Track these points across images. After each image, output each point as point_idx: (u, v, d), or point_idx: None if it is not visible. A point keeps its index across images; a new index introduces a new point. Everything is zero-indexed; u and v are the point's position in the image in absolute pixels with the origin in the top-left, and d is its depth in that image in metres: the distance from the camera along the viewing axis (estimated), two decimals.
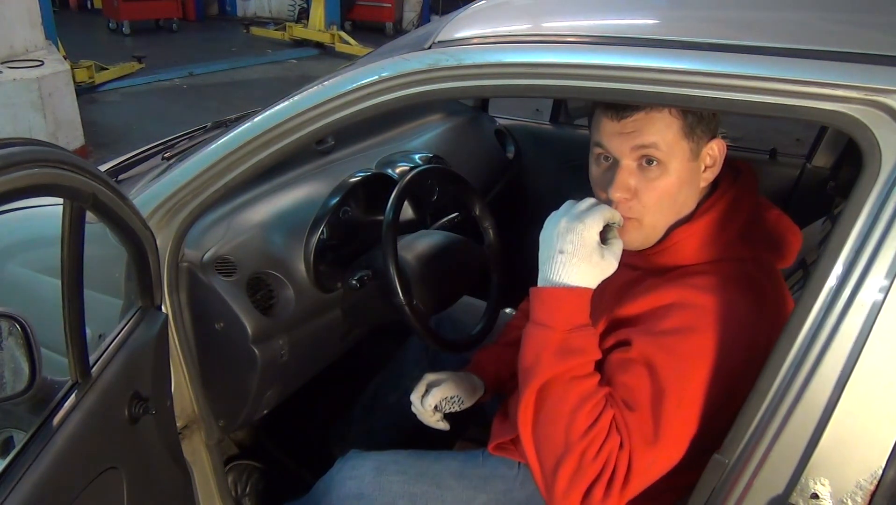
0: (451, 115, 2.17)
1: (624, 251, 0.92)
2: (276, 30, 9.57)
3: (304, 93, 1.00)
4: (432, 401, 1.18)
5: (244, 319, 1.19)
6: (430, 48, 0.91)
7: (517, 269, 1.42)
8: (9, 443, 0.92)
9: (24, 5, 4.50)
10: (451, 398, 1.20)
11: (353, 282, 1.34)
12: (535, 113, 2.54)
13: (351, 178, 1.47)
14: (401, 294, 1.24)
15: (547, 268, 0.88)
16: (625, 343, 0.91)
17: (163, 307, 1.08)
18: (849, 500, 0.73)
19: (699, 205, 0.94)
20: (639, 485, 0.85)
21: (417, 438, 1.36)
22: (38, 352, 0.82)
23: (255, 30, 9.91)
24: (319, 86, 0.99)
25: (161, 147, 1.55)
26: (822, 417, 0.72)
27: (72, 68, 5.08)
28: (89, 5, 11.42)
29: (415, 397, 1.21)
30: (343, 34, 8.82)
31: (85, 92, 5.94)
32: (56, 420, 0.78)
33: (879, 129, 0.69)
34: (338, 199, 1.40)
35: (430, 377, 1.22)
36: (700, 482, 0.81)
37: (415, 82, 0.91)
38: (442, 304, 1.47)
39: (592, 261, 0.86)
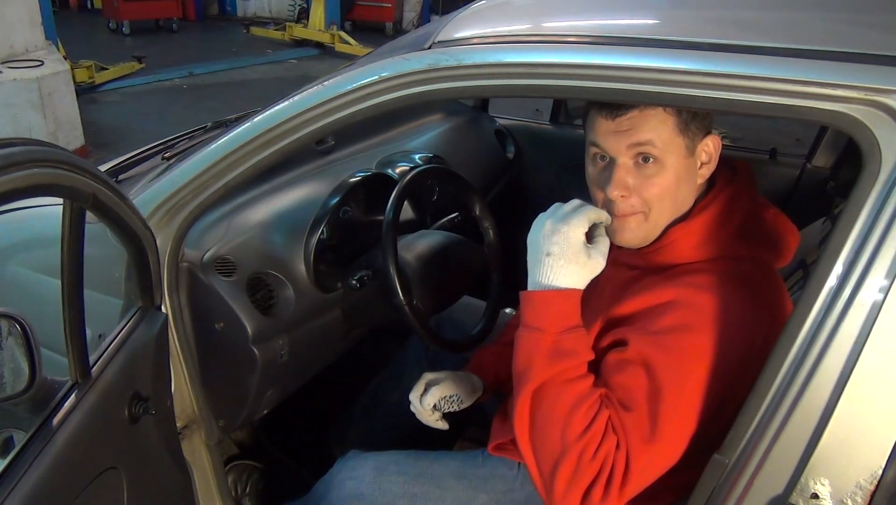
0: (451, 115, 2.17)
1: (622, 250, 0.92)
2: (276, 30, 9.56)
3: (304, 93, 1.00)
4: (431, 400, 1.18)
5: (244, 319, 1.19)
6: (430, 48, 0.91)
7: (517, 269, 1.41)
8: (9, 443, 0.91)
9: (24, 5, 4.50)
10: (450, 397, 1.19)
11: (353, 282, 1.34)
12: (535, 113, 2.54)
13: (351, 178, 1.47)
14: (401, 294, 1.24)
15: (536, 271, 0.89)
16: (621, 343, 0.91)
17: (163, 307, 1.08)
18: (849, 500, 0.73)
19: (696, 203, 0.94)
20: (637, 485, 0.85)
21: (417, 438, 1.35)
22: (38, 352, 0.82)
23: (255, 30, 9.90)
24: (319, 86, 0.99)
25: (161, 147, 1.55)
26: (822, 418, 0.72)
27: (72, 68, 5.08)
28: (89, 5, 11.42)
29: (413, 397, 1.21)
30: (343, 34, 8.81)
31: (85, 92, 5.93)
32: (56, 420, 0.78)
33: (879, 129, 0.69)
34: (338, 199, 1.40)
35: (428, 376, 1.22)
36: (700, 482, 0.81)
37: (415, 82, 0.91)
38: (442, 304, 1.47)
39: (580, 261, 0.87)
